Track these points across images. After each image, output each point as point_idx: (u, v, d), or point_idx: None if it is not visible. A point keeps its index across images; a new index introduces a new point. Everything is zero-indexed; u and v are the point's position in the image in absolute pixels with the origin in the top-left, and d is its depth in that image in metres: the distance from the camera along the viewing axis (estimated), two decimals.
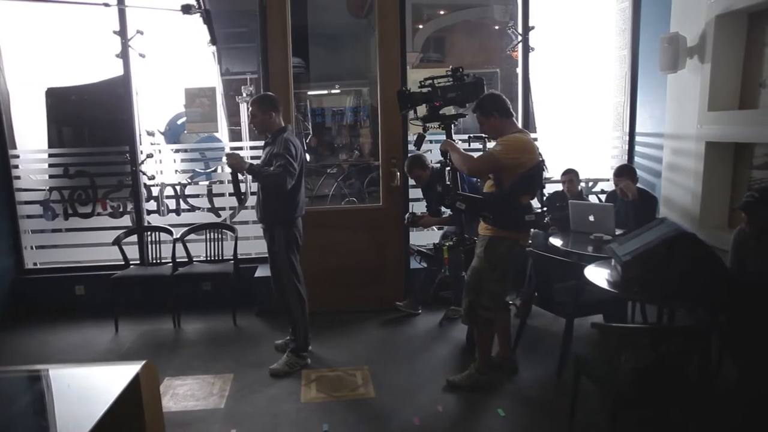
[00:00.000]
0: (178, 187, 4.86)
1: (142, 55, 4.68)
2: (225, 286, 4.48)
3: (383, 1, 4.39)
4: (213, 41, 4.00)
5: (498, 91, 3.27)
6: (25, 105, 4.95)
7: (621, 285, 2.82)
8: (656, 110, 4.76)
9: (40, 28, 4.80)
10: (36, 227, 5.00)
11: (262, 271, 4.59)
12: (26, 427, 2.19)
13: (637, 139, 5.08)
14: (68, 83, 5.12)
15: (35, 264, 4.98)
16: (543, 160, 3.13)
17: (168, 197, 4.88)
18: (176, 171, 4.98)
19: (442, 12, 10.07)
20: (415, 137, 3.42)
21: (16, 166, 4.82)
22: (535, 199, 3.18)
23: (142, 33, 4.66)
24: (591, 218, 4.05)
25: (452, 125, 3.32)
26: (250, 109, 3.57)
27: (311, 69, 9.20)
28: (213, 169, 4.95)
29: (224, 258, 4.66)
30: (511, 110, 3.12)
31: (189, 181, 4.93)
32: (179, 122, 5.12)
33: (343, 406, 3.15)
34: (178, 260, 4.54)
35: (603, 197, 4.95)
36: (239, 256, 4.60)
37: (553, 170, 4.81)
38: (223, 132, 5.28)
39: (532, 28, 4.85)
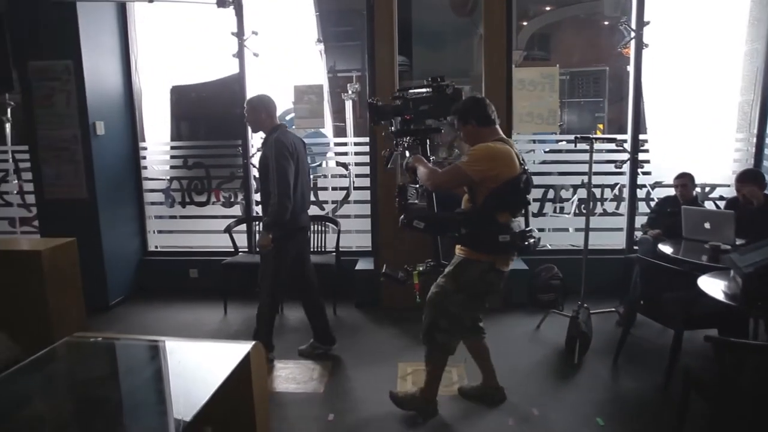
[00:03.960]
0: None
1: (255, 55, 4.96)
2: (326, 277, 4.65)
3: None
4: (241, 33, 4.11)
5: (481, 96, 2.94)
6: (153, 102, 5.41)
7: (741, 298, 2.64)
8: None
9: (168, 31, 5.22)
10: (158, 213, 5.47)
11: (363, 264, 4.73)
12: (149, 390, 2.42)
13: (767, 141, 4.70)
14: (190, 81, 5.52)
15: (156, 247, 5.44)
16: (526, 173, 2.75)
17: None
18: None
19: (548, 8, 9.78)
20: (386, 154, 3.19)
21: (144, 157, 5.29)
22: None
23: (256, 33, 4.93)
24: (707, 225, 3.81)
25: (427, 140, 3.07)
26: (245, 107, 3.63)
27: (414, 67, 9.27)
28: (318, 163, 5.14)
29: (327, 250, 4.83)
30: (493, 117, 2.77)
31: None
32: (287, 118, 5.35)
33: (438, 401, 3.17)
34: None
35: (721, 204, 4.63)
36: (341, 249, 4.75)
37: (666, 174, 4.56)
38: (328, 128, 5.48)
39: (647, 23, 4.61)
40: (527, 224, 2.84)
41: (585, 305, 3.83)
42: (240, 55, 4.92)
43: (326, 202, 5.12)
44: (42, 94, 4.59)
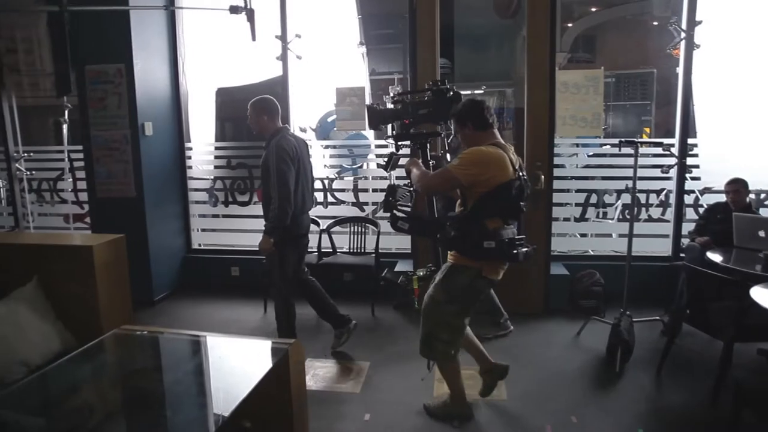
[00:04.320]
0: (326, 181, 5.17)
1: (299, 57, 5.03)
2: (366, 278, 4.66)
3: (534, 0, 4.30)
4: (253, 38, 4.19)
5: (480, 99, 2.88)
6: (198, 103, 5.56)
7: None
8: None
9: (214, 34, 5.35)
10: (202, 212, 5.61)
11: (402, 266, 4.73)
12: (191, 383, 2.48)
13: None
14: (235, 83, 5.65)
15: (200, 245, 5.58)
16: (520, 179, 2.68)
17: (316, 190, 5.19)
18: (325, 166, 5.28)
19: (594, 9, 9.59)
20: (387, 157, 3.16)
21: (189, 157, 5.44)
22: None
23: (299, 36, 5.01)
24: (761, 234, 3.68)
25: (427, 144, 3.06)
26: (248, 110, 3.65)
27: (456, 69, 9.24)
28: (359, 165, 5.19)
29: (366, 251, 4.86)
30: (491, 121, 2.72)
31: (336, 175, 5.22)
32: (329, 120, 5.42)
33: (474, 405, 3.15)
34: (323, 250, 4.83)
35: None
36: (380, 250, 4.77)
37: (716, 179, 4.42)
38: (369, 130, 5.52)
39: (699, 23, 4.48)
40: (520, 232, 2.76)
41: (627, 313, 3.74)
42: (283, 57, 5.00)
43: (366, 203, 5.16)
44: (96, 96, 4.78)
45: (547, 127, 4.35)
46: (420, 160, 2.99)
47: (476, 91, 11.39)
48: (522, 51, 4.74)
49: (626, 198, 4.81)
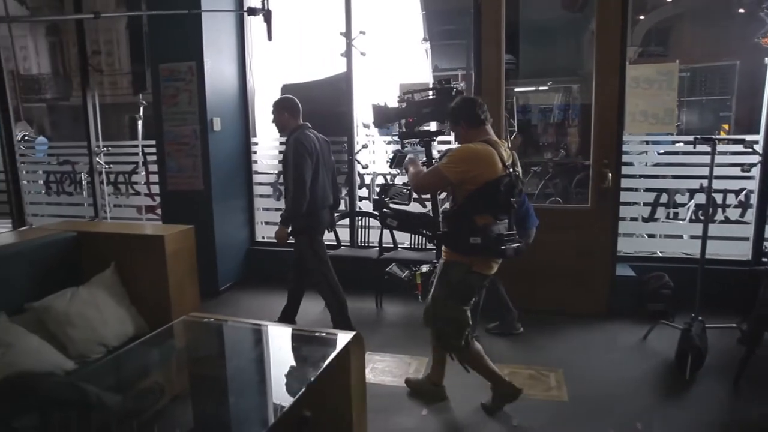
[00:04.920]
0: (388, 177, 5.19)
1: (363, 54, 5.07)
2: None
3: None
4: (269, 38, 4.27)
5: (474, 96, 2.86)
6: (265, 99, 5.69)
7: None
8: None
9: (280, 31, 5.46)
10: (266, 205, 5.75)
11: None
12: (254, 371, 2.56)
13: None
14: (300, 80, 5.75)
15: (263, 237, 5.73)
16: (511, 175, 2.66)
17: (378, 185, 5.24)
18: (387, 162, 5.29)
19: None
20: (391, 155, 3.22)
21: (255, 152, 5.60)
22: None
23: (364, 33, 5.05)
24: None
25: (431, 142, 3.11)
26: (272, 109, 3.85)
27: (521, 65, 9.07)
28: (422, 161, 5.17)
29: (426, 247, 4.85)
30: (483, 118, 2.72)
31: (399, 171, 5.22)
32: None
33: (533, 405, 3.11)
34: (384, 245, 4.86)
35: None
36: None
37: None
38: (432, 126, 5.49)
39: None
40: (510, 228, 2.76)
41: (700, 318, 3.57)
42: (348, 54, 5.06)
43: (428, 199, 5.14)
44: (169, 93, 4.99)
45: (616, 124, 4.19)
46: (424, 158, 3.07)
47: (540, 88, 11.17)
48: (590, 46, 4.59)
49: (700, 198, 4.58)
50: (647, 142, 4.92)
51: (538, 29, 9.07)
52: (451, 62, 10.25)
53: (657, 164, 4.92)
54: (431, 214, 3.13)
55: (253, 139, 5.58)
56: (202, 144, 4.95)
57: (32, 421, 1.88)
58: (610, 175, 4.20)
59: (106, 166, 6.23)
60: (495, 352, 3.78)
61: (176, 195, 5.13)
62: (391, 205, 3.06)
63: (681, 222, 4.90)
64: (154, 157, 5.43)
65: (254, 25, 5.42)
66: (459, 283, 2.77)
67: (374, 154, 5.32)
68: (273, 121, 3.91)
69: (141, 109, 6.22)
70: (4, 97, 6.08)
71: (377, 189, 3.10)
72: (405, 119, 3.07)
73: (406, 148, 3.35)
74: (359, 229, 5.13)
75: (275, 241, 3.85)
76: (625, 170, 4.46)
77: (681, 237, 4.94)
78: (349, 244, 5.22)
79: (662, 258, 4.82)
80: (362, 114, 5.30)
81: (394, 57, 5.83)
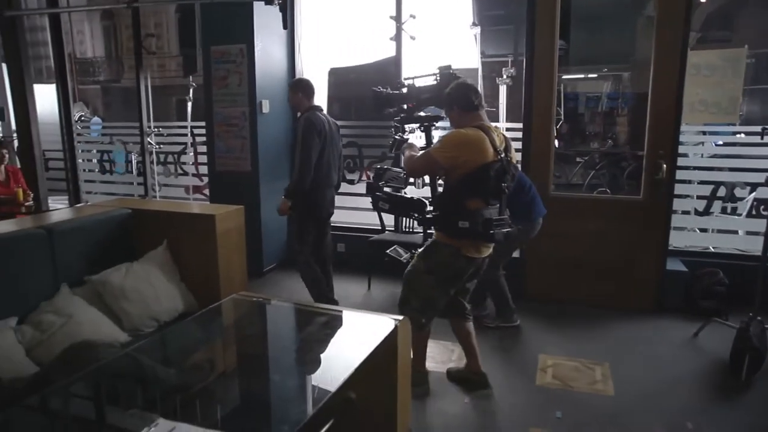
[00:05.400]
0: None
1: (412, 38, 5.03)
2: None
3: None
4: (285, 26, 4.28)
5: (468, 81, 2.88)
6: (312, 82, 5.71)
7: None
8: None
9: (329, 15, 5.48)
10: None
11: None
12: (301, 351, 2.58)
13: None
14: (347, 64, 5.76)
15: None
16: (503, 160, 2.66)
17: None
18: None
19: None
20: (391, 141, 3.24)
21: None
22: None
23: (414, 17, 5.00)
24: None
25: (431, 128, 3.13)
26: (288, 90, 4.10)
27: (571, 52, 8.85)
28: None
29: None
30: (477, 102, 2.74)
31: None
32: None
33: (578, 398, 3.07)
34: (428, 231, 4.82)
35: None
36: None
37: None
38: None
39: None
40: (501, 213, 2.77)
41: (758, 318, 3.43)
42: (397, 38, 5.02)
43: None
44: (219, 75, 5.06)
45: (674, 113, 4.04)
46: (424, 144, 3.11)
47: (590, 75, 10.87)
48: (644, 31, 4.43)
49: (763, 192, 4.38)
50: (704, 133, 4.74)
51: (589, 14, 8.83)
52: (498, 48, 10.09)
53: (714, 156, 4.73)
54: (430, 197, 3.15)
55: None
56: (251, 126, 5.01)
57: (93, 389, 1.96)
58: (664, 166, 4.06)
59: (157, 146, 6.38)
60: (539, 343, 3.76)
61: (224, 176, 5.22)
62: (386, 189, 3.12)
63: (737, 217, 4.71)
64: (202, 139, 5.53)
65: (304, 8, 5.44)
66: (443, 263, 2.81)
67: (420, 139, 5.27)
68: (289, 101, 4.16)
69: (191, 91, 6.35)
70: (64, 80, 6.27)
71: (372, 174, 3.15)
72: (406, 104, 3.12)
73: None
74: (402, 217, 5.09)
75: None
76: (679, 161, 4.30)
77: (736, 232, 4.75)
78: (393, 228, 5.21)
79: (716, 254, 4.66)
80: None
81: (443, 42, 5.75)
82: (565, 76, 9.57)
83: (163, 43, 16.09)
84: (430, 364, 3.42)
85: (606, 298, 4.33)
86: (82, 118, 7.66)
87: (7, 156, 5.29)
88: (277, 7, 4.27)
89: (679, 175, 4.32)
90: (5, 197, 5.11)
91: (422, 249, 2.93)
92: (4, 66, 6.38)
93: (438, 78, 3.10)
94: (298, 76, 5.51)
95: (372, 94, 3.25)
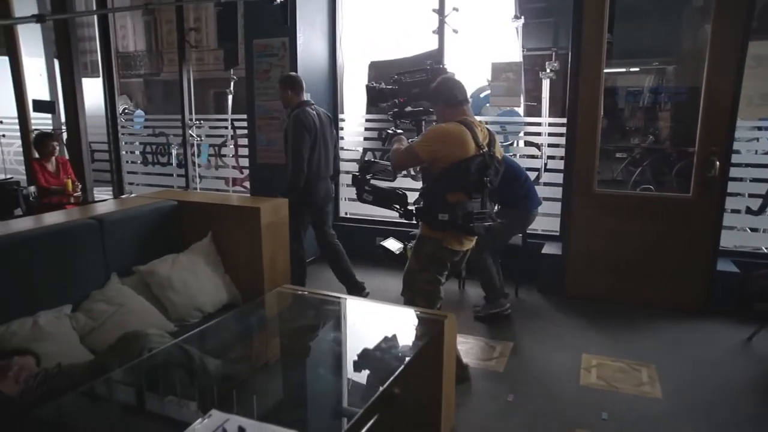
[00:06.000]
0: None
1: (455, 31, 4.97)
2: (510, 258, 4.55)
3: None
4: (286, 23, 4.27)
5: (452, 76, 2.91)
6: (352, 76, 5.71)
7: None
8: None
9: (371, 8, 5.45)
10: (350, 182, 5.79)
11: (549, 249, 4.58)
12: (348, 344, 2.58)
13: None
14: (388, 57, 5.73)
15: (347, 213, 5.80)
16: (485, 155, 2.70)
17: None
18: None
19: None
20: (384, 134, 3.27)
21: (342, 128, 5.63)
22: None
23: (457, 10, 4.94)
24: None
25: (422, 122, 3.17)
26: (278, 86, 4.20)
27: (615, 45, 8.62)
28: (510, 142, 5.04)
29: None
30: (460, 97, 2.79)
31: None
32: (482, 95, 5.32)
33: (624, 399, 2.99)
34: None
35: None
36: (527, 231, 4.62)
37: None
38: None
39: None
40: (483, 207, 2.79)
41: None
42: (440, 31, 4.96)
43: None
44: (261, 68, 5.09)
45: (730, 108, 3.88)
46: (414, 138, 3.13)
47: (632, 69, 10.57)
48: (692, 23, 4.26)
49: None
50: (759, 128, 4.57)
51: (634, 6, 8.58)
52: (537, 41, 9.89)
53: None
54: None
55: (341, 116, 5.61)
56: None
57: (146, 378, 1.99)
58: (717, 163, 3.93)
59: (198, 139, 6.47)
60: (583, 342, 3.68)
61: (265, 168, 5.25)
62: (372, 182, 3.16)
63: None
64: (243, 131, 5.57)
65: (345, 1, 5.43)
66: (430, 256, 2.85)
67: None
68: (279, 98, 4.24)
69: (232, 84, 6.41)
70: (111, 74, 6.41)
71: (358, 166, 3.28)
72: (397, 99, 3.18)
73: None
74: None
75: (359, 216, 3.96)
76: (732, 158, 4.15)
77: None
78: None
79: None
80: None
81: (484, 35, 5.67)
82: (605, 70, 9.33)
83: (202, 36, 16.31)
84: (469, 360, 3.39)
85: (651, 298, 4.22)
86: (126, 111, 7.82)
87: (57, 148, 5.44)
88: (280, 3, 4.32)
89: (732, 172, 4.16)
90: (56, 187, 5.26)
91: (413, 249, 2.97)
92: (56, 62, 6.56)
93: (429, 73, 3.14)
94: (339, 69, 5.52)
95: (366, 89, 3.34)
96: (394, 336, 2.53)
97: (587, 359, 3.45)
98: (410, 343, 2.43)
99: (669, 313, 4.10)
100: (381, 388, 1.89)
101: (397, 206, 3.05)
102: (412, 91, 3.14)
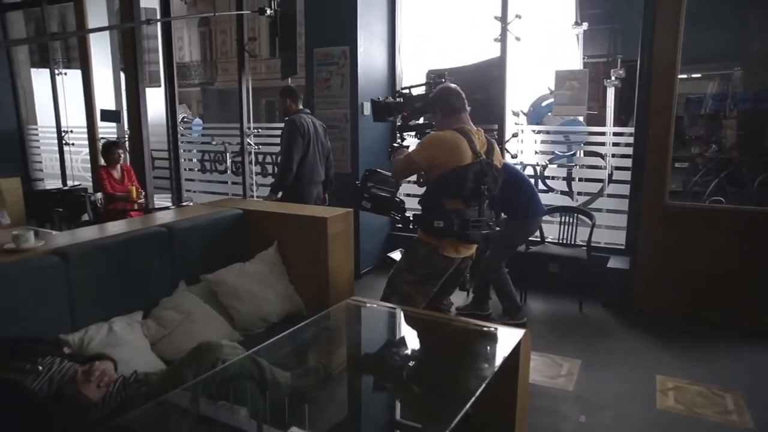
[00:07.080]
0: (538, 168, 4.96)
1: (517, 39, 4.86)
2: (573, 271, 4.40)
3: None
4: (277, 34, 4.35)
5: (452, 85, 2.88)
6: (412, 84, 5.66)
7: None
8: None
9: (431, 16, 5.41)
10: (407, 191, 5.73)
11: (615, 262, 4.40)
12: (420, 361, 2.51)
13: None
14: (447, 65, 5.65)
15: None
16: (482, 162, 2.70)
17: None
18: (536, 152, 5.08)
19: None
20: (389, 149, 3.27)
21: (402, 138, 5.58)
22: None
23: (520, 17, 4.83)
24: None
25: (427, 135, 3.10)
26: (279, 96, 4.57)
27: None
28: (573, 152, 4.90)
29: (575, 243, 4.58)
30: (458, 105, 2.78)
31: (548, 162, 4.99)
32: (543, 104, 5.19)
33: (708, 427, 2.82)
34: (530, 238, 4.64)
35: None
36: (592, 243, 4.47)
37: None
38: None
39: None
40: (481, 214, 2.78)
41: None
42: (502, 38, 4.86)
43: (579, 193, 4.85)
44: (321, 77, 5.11)
45: None
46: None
47: (694, 75, 10.19)
48: (763, 25, 4.03)
49: None
50: None
51: (700, 9, 8.26)
52: (595, 48, 9.66)
53: None
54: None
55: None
56: (352, 128, 5.03)
57: (222, 390, 1.98)
58: None
59: (255, 147, 6.55)
60: (655, 362, 3.51)
61: None
62: (373, 191, 3.16)
63: None
64: None
65: (404, 9, 5.40)
66: (422, 260, 2.84)
67: (522, 143, 5.10)
68: (279, 106, 4.68)
69: None
70: (172, 84, 6.58)
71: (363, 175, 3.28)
72: (401, 113, 3.20)
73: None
74: (564, 226, 4.63)
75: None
76: None
77: None
78: (556, 240, 4.77)
79: None
80: (513, 101, 5.11)
81: (544, 43, 5.54)
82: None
83: (255, 45, 16.66)
84: (537, 377, 3.27)
85: (728, 318, 3.99)
86: (185, 120, 8.00)
87: (122, 155, 5.59)
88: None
89: None
90: (121, 194, 5.40)
91: (405, 248, 3.01)
92: (121, 74, 6.79)
93: (431, 87, 3.14)
94: (398, 77, 5.50)
95: (371, 103, 3.38)
96: (472, 352, 2.45)
97: (662, 381, 3.27)
98: (489, 361, 2.34)
99: (754, 335, 3.85)
100: (463, 411, 1.81)
101: (395, 213, 3.09)
102: (415, 105, 3.18)
